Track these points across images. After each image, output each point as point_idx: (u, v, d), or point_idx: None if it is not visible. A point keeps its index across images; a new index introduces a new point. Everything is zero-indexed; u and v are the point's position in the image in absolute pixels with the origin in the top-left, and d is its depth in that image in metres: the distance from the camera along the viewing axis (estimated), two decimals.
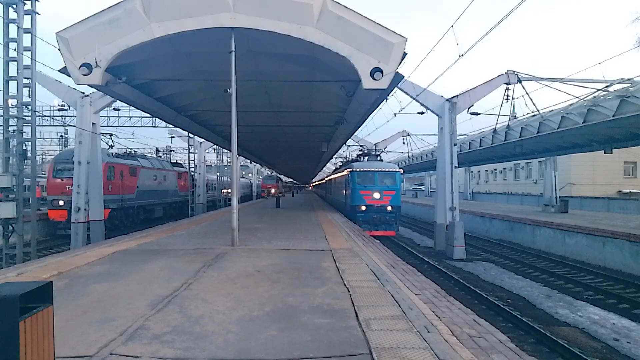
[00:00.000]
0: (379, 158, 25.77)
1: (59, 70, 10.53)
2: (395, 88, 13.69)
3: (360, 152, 27.77)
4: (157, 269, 7.96)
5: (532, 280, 14.16)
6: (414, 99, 17.79)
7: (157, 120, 29.05)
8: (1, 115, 13.60)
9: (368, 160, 24.96)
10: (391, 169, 22.14)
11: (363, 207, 20.59)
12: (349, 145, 36.94)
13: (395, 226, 21.27)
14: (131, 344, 4.30)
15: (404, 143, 36.15)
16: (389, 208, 20.74)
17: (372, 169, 21.58)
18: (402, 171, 22.15)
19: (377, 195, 20.63)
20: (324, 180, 56.10)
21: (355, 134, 26.31)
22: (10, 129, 13.47)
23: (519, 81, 17.86)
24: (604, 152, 21.84)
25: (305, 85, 13.97)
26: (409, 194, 63.20)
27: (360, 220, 20.15)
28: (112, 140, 24.66)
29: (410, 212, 42.59)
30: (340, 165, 38.38)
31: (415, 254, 18.08)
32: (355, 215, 20.51)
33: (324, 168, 61.25)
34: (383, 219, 20.51)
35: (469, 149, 28.41)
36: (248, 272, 7.62)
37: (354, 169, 21.76)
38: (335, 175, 33.57)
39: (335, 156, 42.46)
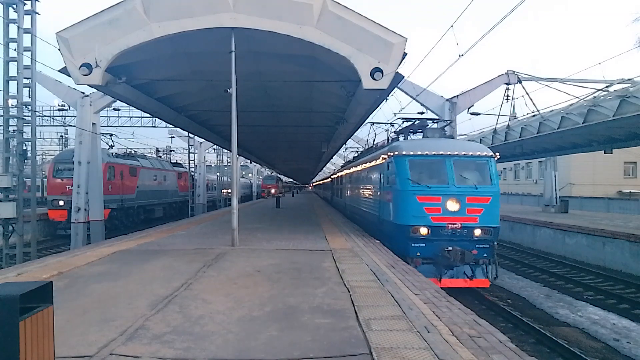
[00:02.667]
0: (446, 133, 14.16)
1: (59, 71, 10.53)
2: (395, 88, 13.67)
3: (407, 122, 14.70)
4: (157, 269, 7.96)
5: (532, 281, 14.17)
6: (414, 99, 17.77)
7: (157, 120, 29.04)
8: (1, 115, 13.59)
9: (425, 136, 13.40)
10: (480, 153, 11.54)
11: (423, 231, 10.64)
12: (347, 148, 34.71)
13: (491, 269, 10.91)
14: (131, 344, 4.29)
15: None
16: (478, 232, 10.63)
17: (442, 153, 11.25)
18: (497, 156, 11.45)
19: (453, 206, 10.66)
20: (329, 179, 42.51)
21: (355, 134, 26.28)
22: (10, 129, 13.46)
23: (519, 81, 17.87)
24: (604, 152, 21.85)
25: (305, 85, 13.96)
26: None
27: (415, 255, 10.63)
28: (112, 140, 24.70)
29: None
30: (359, 153, 25.44)
31: None
32: (404, 244, 10.82)
33: (324, 168, 61.25)
34: (465, 256, 10.26)
35: None
36: (248, 272, 7.62)
37: (402, 153, 11.39)
38: (354, 169, 19.96)
39: (335, 156, 42.43)
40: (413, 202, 10.70)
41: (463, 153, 11.32)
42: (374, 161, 14.24)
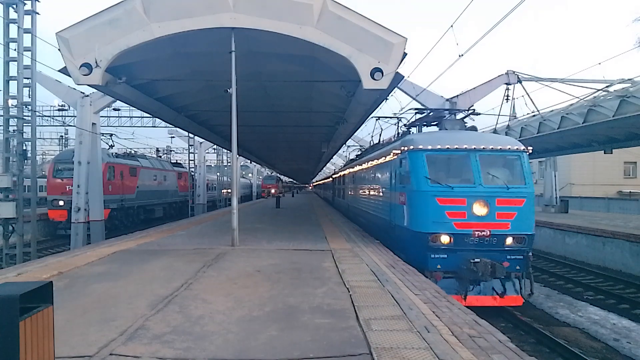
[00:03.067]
0: (466, 125, 11.79)
1: (59, 70, 10.53)
2: (395, 88, 13.66)
3: (421, 113, 13.02)
4: (157, 269, 7.96)
5: None
6: (414, 99, 17.76)
7: (157, 120, 29.06)
8: (1, 115, 13.60)
9: (443, 128, 11.65)
10: (510, 146, 9.95)
11: (445, 239, 9.17)
12: (348, 146, 34.02)
13: (524, 284, 9.41)
14: (131, 344, 4.30)
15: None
16: (509, 240, 9.18)
17: (466, 147, 9.69)
18: (529, 150, 9.91)
19: (480, 209, 9.18)
20: (330, 179, 39.61)
21: (355, 134, 26.27)
22: (10, 129, 13.46)
23: (519, 81, 17.87)
24: (604, 152, 21.84)
25: (305, 85, 13.96)
26: None
27: (434, 268, 9.21)
28: (112, 140, 24.70)
29: None
30: (362, 151, 23.71)
31: None
32: (421, 255, 9.32)
33: (324, 168, 61.24)
34: (496, 269, 8.81)
35: None
36: (248, 272, 7.62)
37: (417, 147, 9.84)
38: (359, 167, 17.96)
39: (335, 156, 42.40)
40: (432, 205, 9.20)
41: (491, 147, 9.74)
42: (383, 158, 12.63)
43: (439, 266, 9.19)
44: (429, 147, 9.77)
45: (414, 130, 13.39)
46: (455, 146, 9.71)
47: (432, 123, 12.70)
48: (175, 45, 10.85)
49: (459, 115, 12.86)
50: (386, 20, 13.58)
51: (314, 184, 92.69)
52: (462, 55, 13.03)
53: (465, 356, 4.01)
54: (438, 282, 8.69)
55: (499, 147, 9.87)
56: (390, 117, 17.73)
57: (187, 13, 9.61)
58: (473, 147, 9.67)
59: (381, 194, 12.94)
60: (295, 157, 42.60)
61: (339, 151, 37.24)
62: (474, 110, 13.76)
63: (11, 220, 13.17)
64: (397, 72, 9.91)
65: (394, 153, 11.04)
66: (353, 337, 4.49)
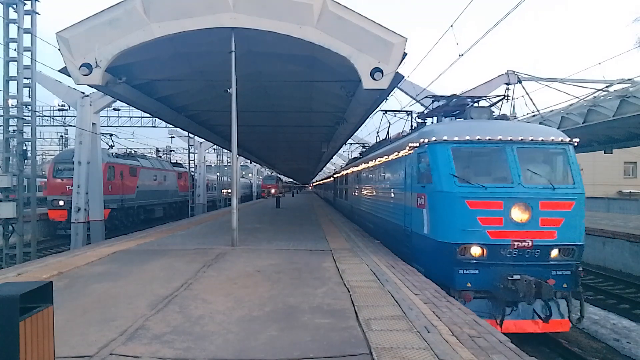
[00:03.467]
0: (493, 113, 9.98)
1: (59, 71, 10.53)
2: (395, 88, 13.66)
3: (440, 102, 11.19)
4: (157, 269, 7.96)
5: None
6: (414, 99, 17.77)
7: (157, 120, 29.07)
8: (1, 115, 13.60)
9: (468, 117, 9.69)
10: (554, 138, 8.37)
11: (476, 251, 7.68)
12: (351, 144, 32.56)
13: (572, 307, 7.77)
14: (131, 344, 4.30)
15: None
16: (555, 252, 7.75)
17: (500, 138, 8.20)
18: (576, 142, 8.37)
19: (520, 214, 7.71)
20: (331, 178, 37.40)
21: (355, 134, 26.29)
22: (11, 129, 13.47)
23: (519, 81, 17.86)
24: (604, 152, 21.86)
25: (305, 86, 13.97)
26: None
27: (463, 286, 7.67)
28: (112, 140, 24.68)
29: None
30: (366, 149, 21.59)
31: None
32: (446, 270, 7.86)
33: (324, 168, 61.27)
34: (542, 289, 7.09)
35: None
36: (248, 272, 7.62)
37: (441, 139, 8.33)
38: (365, 165, 16.60)
39: (335, 156, 42.41)
40: (461, 209, 7.63)
41: (530, 138, 8.13)
42: (395, 153, 11.01)
43: (468, 284, 7.59)
44: (456, 139, 8.14)
45: (430, 121, 11.52)
46: (488, 137, 8.09)
47: (452, 113, 10.83)
48: (175, 45, 10.86)
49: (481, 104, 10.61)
50: (386, 20, 13.58)
51: (314, 184, 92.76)
52: (462, 55, 13.03)
53: (465, 356, 4.01)
54: (467, 303, 7.20)
55: (540, 139, 8.17)
56: (399, 111, 16.06)
57: (187, 13, 9.62)
58: (509, 138, 8.07)
59: (393, 195, 11.45)
60: (295, 157, 42.61)
61: (339, 151, 37.27)
62: (506, 96, 11.54)
63: (11, 220, 13.18)
64: (397, 72, 9.92)
65: (409, 147, 9.57)
66: (353, 337, 4.49)
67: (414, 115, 13.36)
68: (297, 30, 9.54)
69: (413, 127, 12.28)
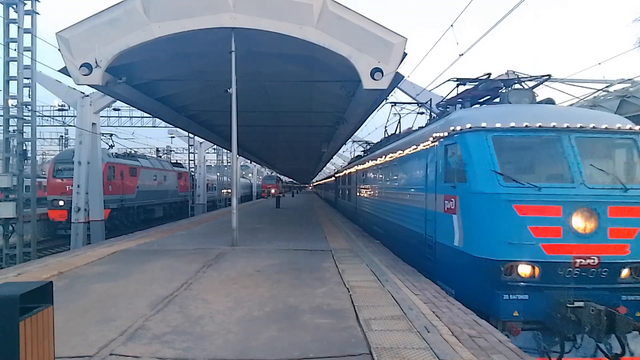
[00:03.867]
0: (536, 96, 8.09)
1: (59, 71, 10.53)
2: (395, 88, 13.66)
3: (464, 85, 9.35)
4: (157, 269, 7.96)
5: None
6: (414, 99, 17.76)
7: (157, 120, 29.08)
8: (1, 115, 13.60)
9: (506, 101, 7.69)
10: (620, 125, 6.54)
11: (526, 270, 5.88)
12: (354, 141, 30.25)
13: None
14: (131, 344, 4.30)
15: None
16: (625, 272, 5.89)
17: (554, 125, 6.32)
18: None
19: (583, 223, 5.85)
20: (333, 178, 34.83)
21: (355, 134, 26.29)
22: (11, 129, 13.47)
23: (519, 81, 17.84)
24: None
25: (305, 85, 13.97)
26: None
27: (509, 315, 5.87)
28: (112, 140, 24.69)
29: None
30: (371, 145, 19.60)
31: None
32: (487, 293, 6.05)
33: (324, 168, 61.29)
34: (617, 321, 5.32)
35: None
36: (248, 272, 7.62)
37: (479, 126, 6.53)
38: (373, 162, 14.74)
39: (335, 156, 42.41)
40: (507, 215, 5.98)
41: (592, 125, 6.40)
42: (412, 147, 9.34)
43: (516, 313, 5.90)
44: (498, 125, 6.41)
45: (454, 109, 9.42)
46: (539, 124, 6.32)
47: (482, 99, 9.09)
48: (175, 45, 10.86)
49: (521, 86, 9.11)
50: (386, 20, 13.57)
51: (314, 184, 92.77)
52: (462, 54, 13.02)
53: (465, 356, 4.01)
54: (515, 337, 5.66)
55: (603, 126, 6.45)
56: (410, 103, 14.31)
57: (187, 13, 9.62)
58: (565, 125, 6.34)
59: (408, 196, 9.69)
60: (295, 157, 42.63)
61: (339, 151, 37.28)
62: (549, 75, 9.38)
63: (11, 220, 13.18)
64: (397, 72, 9.92)
65: (433, 138, 7.87)
66: (353, 337, 4.49)
67: (433, 104, 11.35)
68: (297, 30, 9.54)
69: (432, 118, 10.66)
